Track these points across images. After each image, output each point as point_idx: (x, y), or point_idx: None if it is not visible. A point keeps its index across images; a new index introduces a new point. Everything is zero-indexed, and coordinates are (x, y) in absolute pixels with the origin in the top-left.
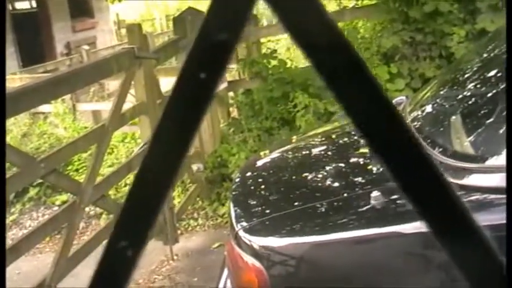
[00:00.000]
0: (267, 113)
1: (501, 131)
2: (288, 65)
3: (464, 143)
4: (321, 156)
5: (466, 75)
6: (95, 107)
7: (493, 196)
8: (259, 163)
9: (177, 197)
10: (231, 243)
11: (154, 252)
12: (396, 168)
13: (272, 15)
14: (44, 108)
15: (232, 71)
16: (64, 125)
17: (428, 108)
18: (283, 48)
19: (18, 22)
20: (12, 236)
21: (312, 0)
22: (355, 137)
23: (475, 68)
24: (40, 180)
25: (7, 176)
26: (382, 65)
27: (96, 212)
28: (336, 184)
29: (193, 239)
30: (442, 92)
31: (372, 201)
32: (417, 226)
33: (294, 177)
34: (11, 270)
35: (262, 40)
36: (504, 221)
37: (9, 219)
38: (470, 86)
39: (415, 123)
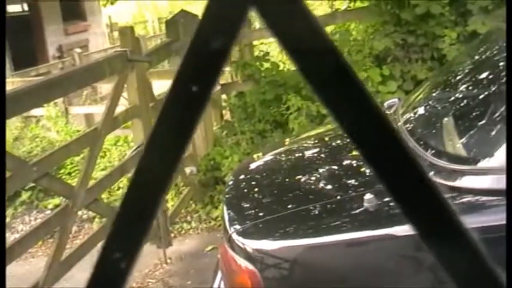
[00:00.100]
0: (260, 115)
1: (493, 133)
2: (281, 68)
3: (457, 145)
4: (314, 159)
5: (458, 77)
6: (88, 110)
7: (485, 198)
8: (252, 166)
9: (170, 200)
10: (225, 246)
11: (147, 255)
12: (382, 170)
13: (260, 21)
14: (36, 111)
15: (225, 74)
16: (56, 129)
17: (421, 110)
18: (276, 50)
19: (10, 25)
20: None
21: (300, 6)
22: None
23: (466, 70)
24: (32, 184)
25: None
26: (375, 67)
27: (89, 215)
28: (329, 186)
29: (187, 242)
30: (434, 94)
31: (365, 204)
32: (410, 228)
33: (287, 179)
34: None
35: (255, 43)
36: (496, 223)
37: None
38: (462, 88)
39: (408, 125)
